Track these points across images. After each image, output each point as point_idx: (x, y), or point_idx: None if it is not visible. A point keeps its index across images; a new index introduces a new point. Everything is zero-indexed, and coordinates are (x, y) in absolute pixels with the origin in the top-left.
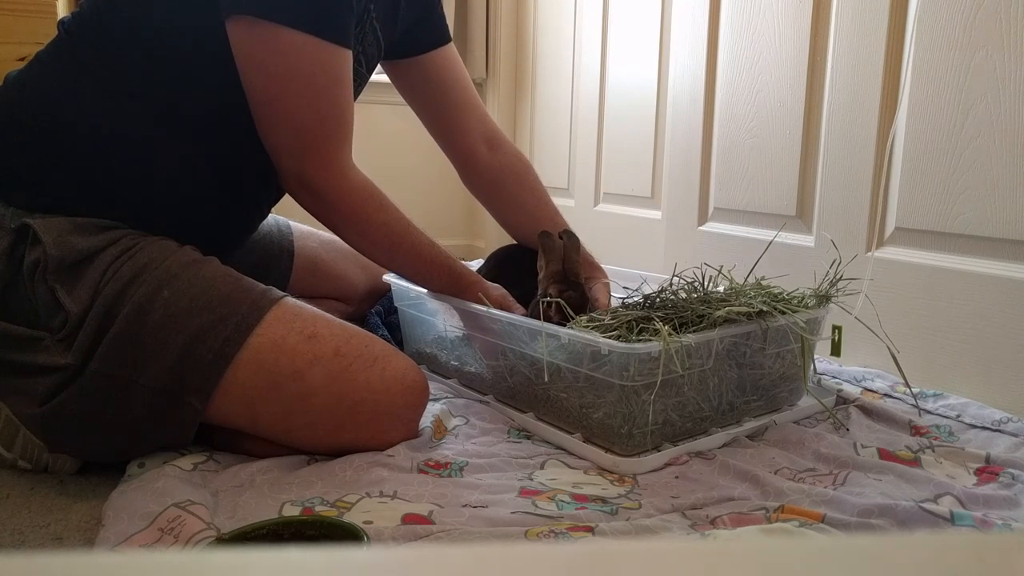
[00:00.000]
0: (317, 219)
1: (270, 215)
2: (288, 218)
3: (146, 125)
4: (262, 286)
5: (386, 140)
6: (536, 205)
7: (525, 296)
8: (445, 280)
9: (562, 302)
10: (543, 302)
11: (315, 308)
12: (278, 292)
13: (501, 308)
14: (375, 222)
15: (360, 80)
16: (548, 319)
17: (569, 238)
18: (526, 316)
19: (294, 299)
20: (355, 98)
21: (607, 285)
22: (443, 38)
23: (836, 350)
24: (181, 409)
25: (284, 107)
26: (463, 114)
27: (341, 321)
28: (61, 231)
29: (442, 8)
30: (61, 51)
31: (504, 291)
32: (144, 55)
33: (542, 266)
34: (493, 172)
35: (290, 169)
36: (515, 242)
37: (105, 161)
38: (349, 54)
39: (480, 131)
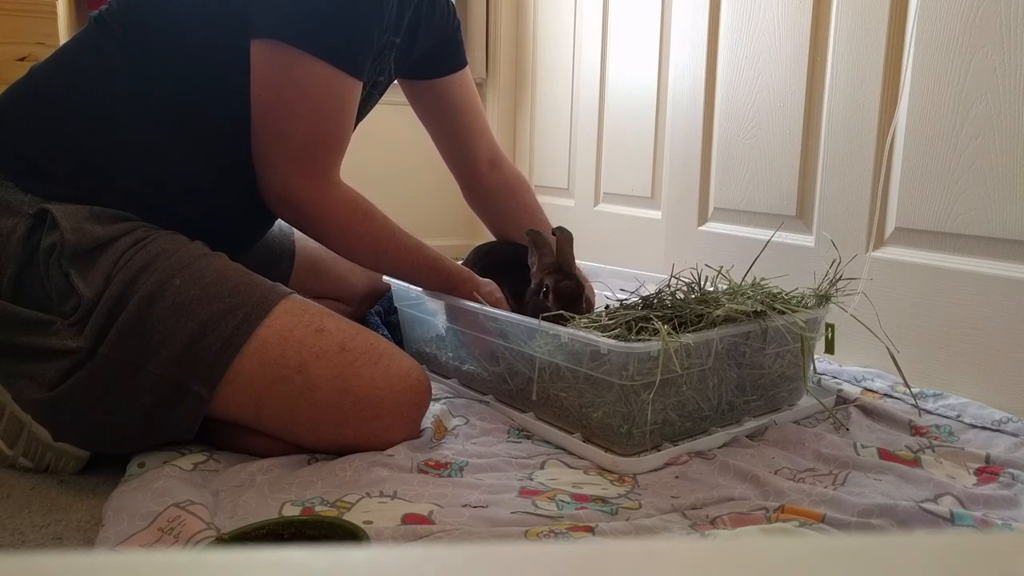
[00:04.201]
0: (299, 231)
1: None
2: None
3: (166, 126)
4: (270, 282)
5: (387, 140)
6: (529, 221)
7: (514, 289)
8: (436, 281)
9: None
10: (541, 292)
11: (321, 305)
12: (286, 288)
13: (493, 305)
14: (358, 233)
15: (372, 104)
16: (545, 310)
17: (562, 233)
18: (518, 311)
19: (301, 296)
20: (363, 118)
21: (592, 289)
22: (460, 63)
23: (830, 348)
24: (187, 397)
25: (286, 126)
26: (472, 138)
27: (347, 319)
28: (79, 218)
29: (461, 34)
30: (88, 45)
31: (495, 286)
32: (169, 60)
33: (534, 261)
34: (492, 191)
35: (274, 185)
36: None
37: (125, 157)
38: (359, 85)
39: (485, 154)
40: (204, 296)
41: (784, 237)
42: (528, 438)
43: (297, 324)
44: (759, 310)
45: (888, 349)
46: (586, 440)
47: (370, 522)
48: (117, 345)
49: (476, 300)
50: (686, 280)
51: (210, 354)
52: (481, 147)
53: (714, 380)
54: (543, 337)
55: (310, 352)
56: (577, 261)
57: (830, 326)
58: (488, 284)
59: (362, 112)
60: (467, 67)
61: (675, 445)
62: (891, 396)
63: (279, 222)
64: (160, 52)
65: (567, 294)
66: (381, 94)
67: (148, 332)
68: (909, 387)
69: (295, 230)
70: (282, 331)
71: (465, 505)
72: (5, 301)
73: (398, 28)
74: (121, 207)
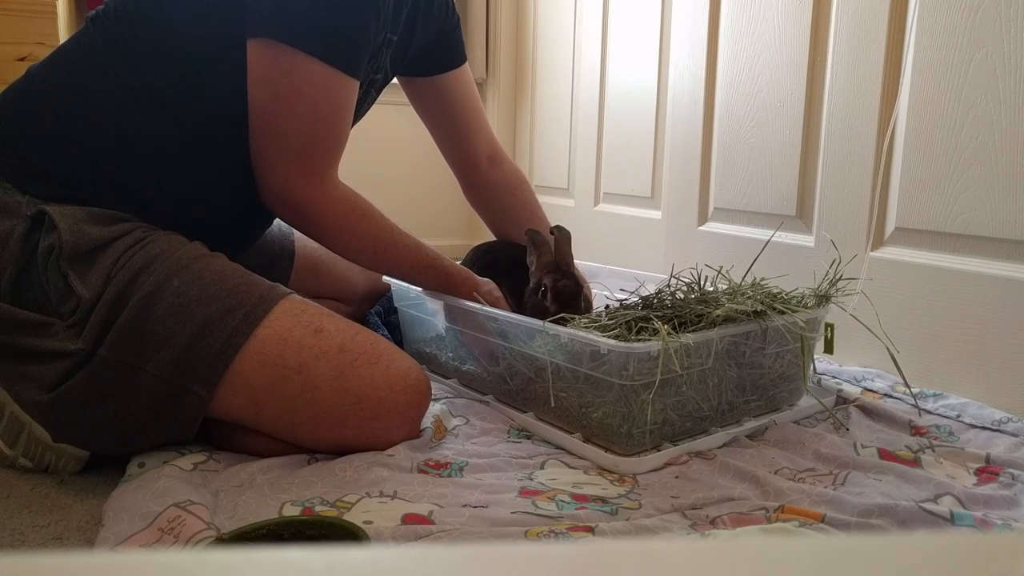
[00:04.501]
0: (298, 231)
1: None
2: None
3: (164, 126)
4: (269, 282)
5: (387, 140)
6: (528, 219)
7: (513, 288)
8: (435, 281)
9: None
10: (540, 291)
11: (320, 305)
12: (285, 288)
13: (492, 304)
14: (357, 232)
15: (369, 102)
16: (544, 309)
17: (560, 231)
18: (517, 310)
19: (300, 296)
20: (361, 117)
21: (589, 288)
22: (459, 60)
23: (829, 348)
24: (187, 398)
25: (283, 126)
26: (472, 135)
27: (347, 319)
28: (77, 219)
29: (460, 30)
30: (84, 45)
31: (494, 285)
32: (166, 60)
33: (533, 260)
34: (491, 188)
35: (272, 185)
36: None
37: (123, 157)
38: (356, 84)
39: (485, 151)
40: (203, 297)
41: (784, 237)
42: (528, 438)
43: (296, 324)
44: (759, 310)
45: (888, 349)
46: (586, 440)
47: (370, 522)
48: (116, 346)
49: (475, 300)
50: (686, 280)
51: (209, 355)
52: (480, 144)
53: (714, 380)
54: (543, 337)
55: (309, 352)
56: (577, 261)
57: (830, 326)
58: (487, 284)
59: (359, 111)
60: (466, 63)
61: (675, 445)
62: (891, 396)
63: (279, 222)
64: (157, 52)
65: (566, 293)
66: (378, 92)
67: (147, 333)
68: (909, 387)
69: (295, 230)
70: (281, 331)
71: (465, 505)
72: (4, 303)
73: (395, 25)
74: (119, 207)
